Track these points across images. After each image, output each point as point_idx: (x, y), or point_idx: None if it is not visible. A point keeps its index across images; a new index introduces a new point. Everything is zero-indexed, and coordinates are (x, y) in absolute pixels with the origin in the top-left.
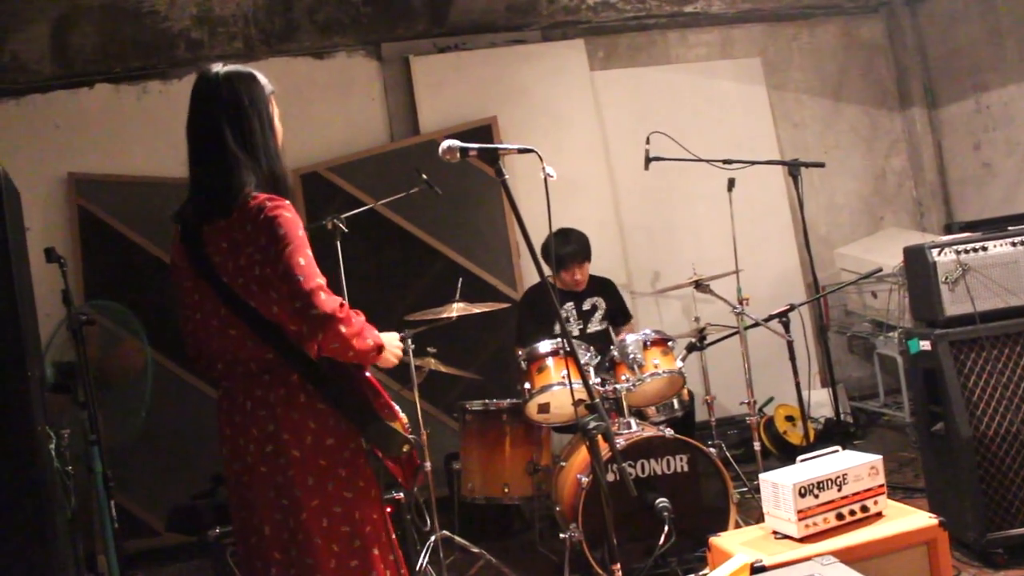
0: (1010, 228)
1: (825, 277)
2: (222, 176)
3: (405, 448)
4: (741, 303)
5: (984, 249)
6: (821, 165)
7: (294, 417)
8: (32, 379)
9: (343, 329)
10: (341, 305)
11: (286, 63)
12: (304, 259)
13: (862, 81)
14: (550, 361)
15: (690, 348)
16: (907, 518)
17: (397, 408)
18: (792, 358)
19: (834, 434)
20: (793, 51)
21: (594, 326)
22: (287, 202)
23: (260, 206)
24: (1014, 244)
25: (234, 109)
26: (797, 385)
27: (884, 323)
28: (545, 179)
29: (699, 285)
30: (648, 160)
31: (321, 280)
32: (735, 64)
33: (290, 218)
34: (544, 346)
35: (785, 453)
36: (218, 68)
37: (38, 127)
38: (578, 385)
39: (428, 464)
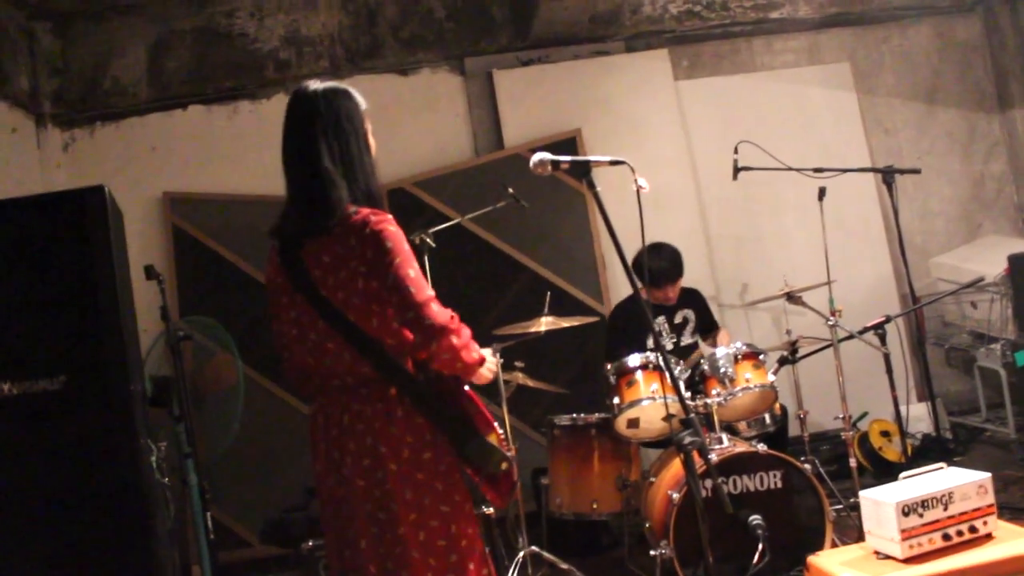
0: None
1: (921, 287)
2: (321, 191)
3: (504, 465)
4: (834, 315)
5: None
6: (916, 171)
7: (392, 431)
8: (135, 393)
9: (455, 340)
10: (452, 317)
11: (371, 80)
12: (414, 271)
13: (958, 83)
14: (639, 375)
15: (782, 361)
16: (1019, 540)
17: (496, 423)
18: (888, 371)
19: (932, 450)
20: (884, 54)
21: (687, 339)
22: (390, 216)
23: (365, 220)
24: None
25: (331, 125)
26: (895, 399)
27: (985, 335)
28: (638, 191)
29: (791, 297)
30: (736, 170)
31: (431, 292)
32: (823, 70)
33: (395, 232)
34: (633, 360)
35: (881, 470)
36: (316, 85)
37: (135, 149)
38: (669, 400)
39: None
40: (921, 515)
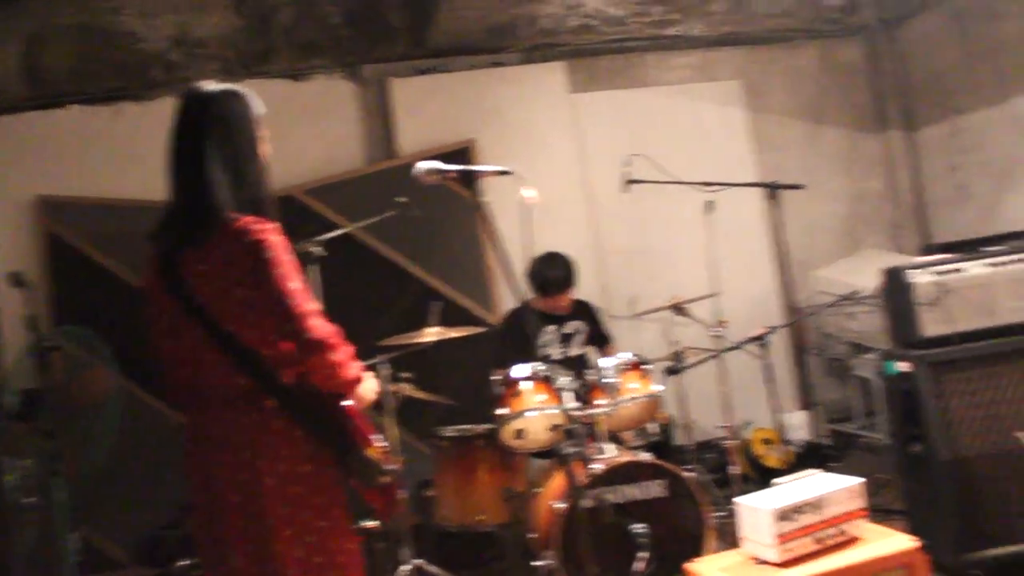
0: (985, 249)
1: (804, 299)
2: (204, 197)
3: (384, 479)
4: (719, 326)
5: (960, 270)
6: (800, 187)
7: (268, 444)
8: None
9: (333, 356)
10: (333, 332)
11: (263, 85)
12: (296, 282)
13: (842, 104)
14: (526, 386)
15: (668, 372)
16: (886, 541)
17: (375, 437)
18: (769, 381)
19: (812, 457)
20: (773, 74)
21: (576, 350)
22: (274, 225)
23: (246, 228)
24: (989, 265)
25: (221, 129)
26: (774, 408)
27: (862, 345)
28: (524, 201)
29: (677, 308)
30: (625, 182)
31: (314, 305)
32: (715, 87)
33: (278, 241)
34: (520, 370)
35: (763, 477)
36: (209, 86)
37: (7, 149)
38: (555, 410)
39: (401, 492)
40: (795, 520)
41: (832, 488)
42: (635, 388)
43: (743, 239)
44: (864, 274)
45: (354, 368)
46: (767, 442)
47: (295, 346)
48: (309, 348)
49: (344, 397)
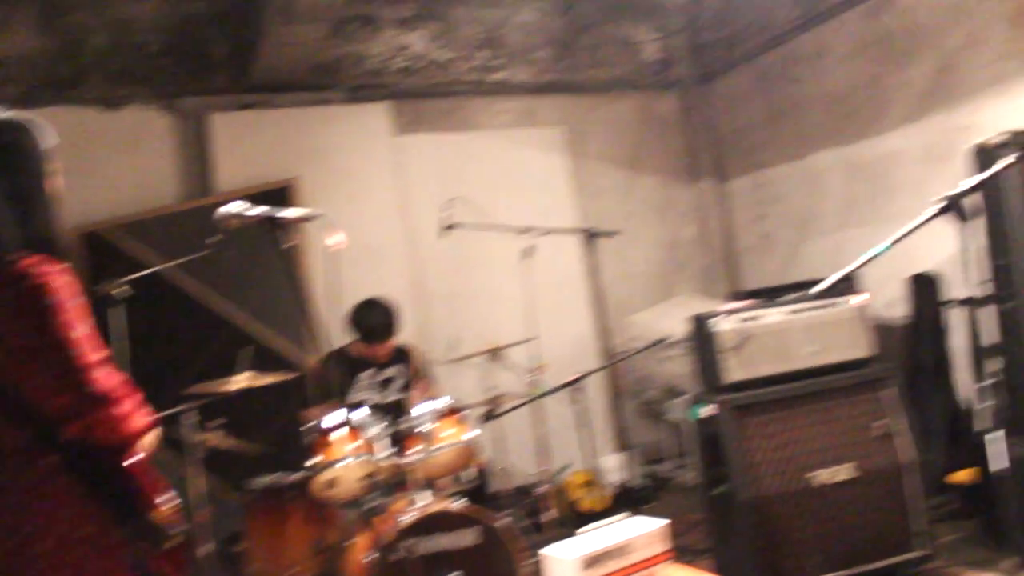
0: (782, 298)
1: (620, 343)
2: None
3: (171, 541)
4: (537, 371)
5: (760, 318)
6: (616, 233)
7: (45, 505)
8: None
9: (117, 409)
10: (120, 383)
11: (72, 112)
12: (79, 330)
13: (658, 153)
14: (339, 434)
15: (485, 417)
16: None
17: (166, 495)
18: (585, 425)
19: (628, 499)
20: (594, 122)
21: (394, 395)
22: (62, 266)
23: (25, 271)
24: (786, 313)
25: (7, 160)
26: (591, 451)
27: (674, 388)
28: (333, 246)
29: (494, 353)
30: (443, 227)
31: (99, 355)
32: (538, 133)
33: (62, 285)
34: (333, 418)
35: (580, 520)
36: None
37: None
38: (367, 459)
39: (207, 547)
40: (602, 566)
41: (637, 532)
42: (450, 434)
43: (563, 284)
44: (676, 319)
45: (140, 419)
46: (584, 485)
47: (77, 399)
48: (91, 402)
49: (129, 453)
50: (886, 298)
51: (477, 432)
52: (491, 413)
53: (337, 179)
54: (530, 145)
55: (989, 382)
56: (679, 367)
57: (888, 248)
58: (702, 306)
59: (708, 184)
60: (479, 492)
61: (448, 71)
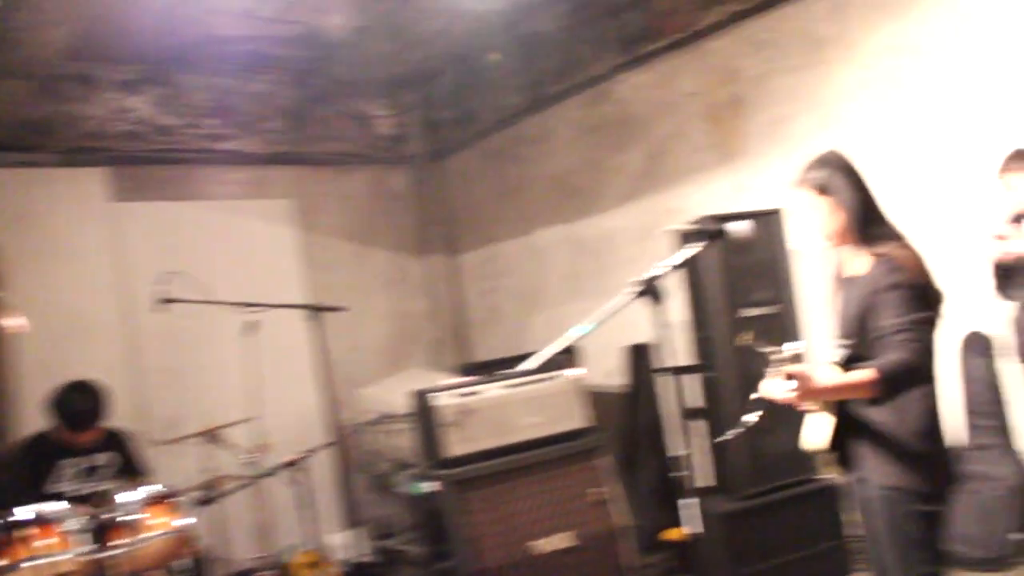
0: (500, 372)
1: (350, 418)
2: None
3: None
4: (258, 450)
5: (480, 392)
6: (342, 309)
7: None
8: None
9: None
10: None
11: None
12: None
13: (389, 227)
14: (31, 530)
15: (201, 501)
16: None
17: None
18: (310, 503)
19: None
20: (325, 195)
21: (104, 484)
22: None
23: None
24: (505, 387)
25: None
26: (317, 530)
27: (404, 462)
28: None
29: (213, 433)
30: (159, 300)
31: None
32: (267, 204)
33: None
34: (23, 512)
35: None
36: None
37: None
38: (62, 557)
39: None
40: None
41: None
42: (160, 523)
43: (289, 359)
44: (405, 393)
45: None
46: (310, 565)
47: None
48: None
49: None
50: (606, 368)
51: (190, 519)
52: (208, 497)
53: (47, 246)
54: (258, 216)
55: (682, 452)
56: (408, 441)
57: (593, 328)
58: (432, 379)
59: (439, 258)
60: None
61: (174, 137)
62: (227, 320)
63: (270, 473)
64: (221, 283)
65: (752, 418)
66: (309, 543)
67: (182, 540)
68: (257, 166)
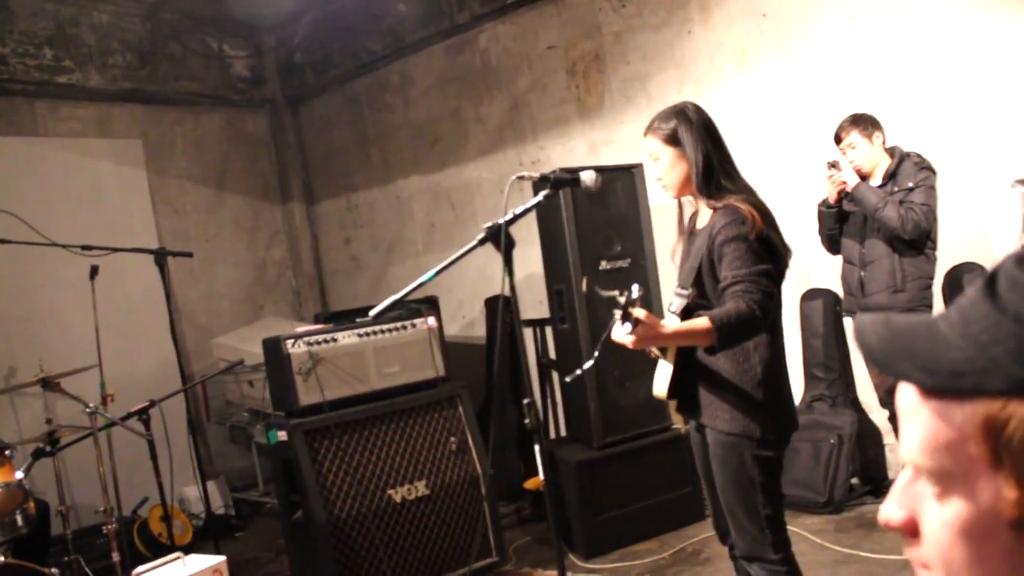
0: (357, 320)
1: (205, 367)
2: None
3: None
4: (105, 400)
5: (335, 340)
6: (188, 255)
7: None
8: None
9: None
10: None
11: None
12: None
13: (246, 173)
14: None
15: (36, 455)
16: None
17: None
18: (155, 456)
19: (215, 528)
20: (177, 137)
21: None
22: None
23: None
24: (360, 336)
25: None
26: (163, 484)
27: (261, 412)
28: None
29: (47, 383)
30: None
31: None
32: (113, 144)
33: None
34: None
35: (164, 555)
36: None
37: None
38: None
39: None
40: None
41: (192, 570)
42: None
43: (141, 305)
44: (260, 341)
45: None
46: (165, 519)
47: None
48: None
49: None
50: (468, 319)
51: (20, 474)
52: (46, 449)
53: None
54: (105, 156)
55: (527, 401)
56: (264, 391)
57: (434, 275)
58: (289, 328)
59: (298, 205)
60: (36, 539)
61: (5, 66)
62: (68, 265)
63: (115, 423)
64: (64, 226)
65: (590, 361)
66: (162, 496)
67: (17, 495)
68: (102, 103)
